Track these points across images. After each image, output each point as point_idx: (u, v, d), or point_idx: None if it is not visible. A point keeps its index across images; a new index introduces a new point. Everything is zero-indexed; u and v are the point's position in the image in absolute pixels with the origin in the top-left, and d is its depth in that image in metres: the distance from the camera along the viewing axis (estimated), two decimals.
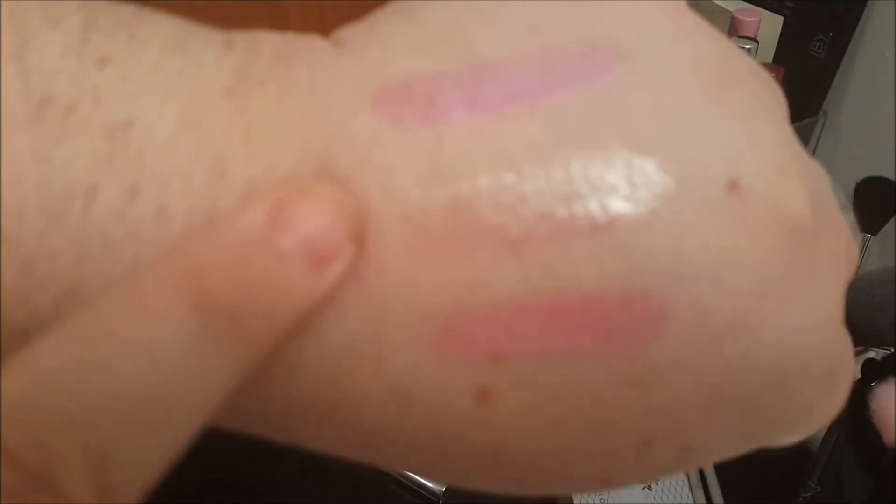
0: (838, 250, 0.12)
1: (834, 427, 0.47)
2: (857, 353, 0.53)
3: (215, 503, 0.51)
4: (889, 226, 0.64)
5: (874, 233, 0.62)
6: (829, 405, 0.13)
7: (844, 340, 0.13)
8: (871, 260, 0.65)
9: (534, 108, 0.10)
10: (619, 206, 0.10)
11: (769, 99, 0.12)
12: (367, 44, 0.11)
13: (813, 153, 0.78)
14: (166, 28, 0.11)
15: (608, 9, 0.11)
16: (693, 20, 0.12)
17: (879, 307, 0.46)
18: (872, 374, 0.46)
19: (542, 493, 0.12)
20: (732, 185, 0.10)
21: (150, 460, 0.09)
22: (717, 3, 0.73)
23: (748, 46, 0.66)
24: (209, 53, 0.11)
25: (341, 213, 0.10)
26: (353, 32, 0.12)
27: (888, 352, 0.51)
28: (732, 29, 0.68)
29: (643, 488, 0.53)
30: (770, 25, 0.70)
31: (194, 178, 0.10)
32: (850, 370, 0.13)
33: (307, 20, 0.64)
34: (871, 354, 0.52)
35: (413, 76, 0.11)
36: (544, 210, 0.10)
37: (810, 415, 0.12)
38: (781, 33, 0.71)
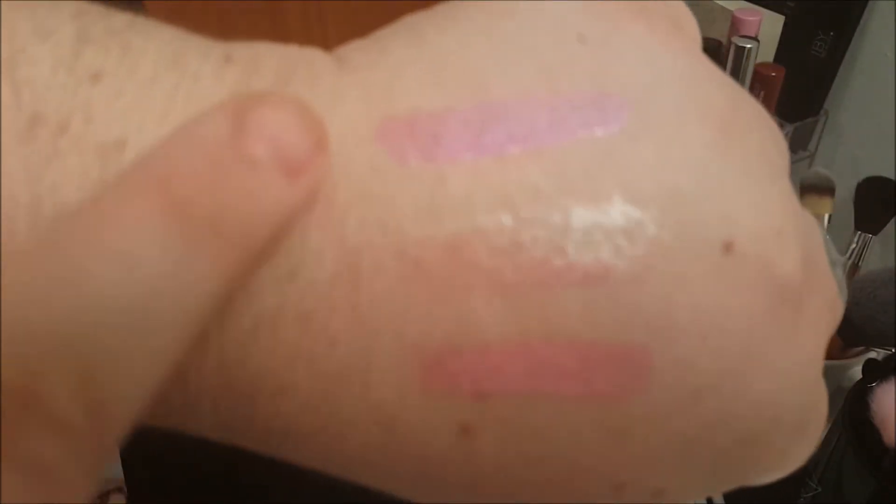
0: (823, 307, 0.12)
1: (834, 427, 0.47)
2: (858, 354, 0.53)
3: (213, 503, 0.51)
4: (890, 226, 0.64)
5: (875, 233, 0.62)
6: (799, 452, 0.13)
7: (819, 393, 0.13)
8: (872, 260, 0.65)
9: (538, 152, 0.10)
10: (614, 258, 0.10)
11: (772, 152, 0.12)
12: (374, 68, 0.11)
13: (814, 153, 0.78)
14: (161, 39, 0.11)
15: (620, 53, 0.11)
16: (706, 66, 0.12)
17: (880, 307, 0.46)
18: (873, 374, 0.46)
19: None
20: (727, 246, 0.11)
21: (140, 375, 0.09)
22: (718, 2, 0.73)
23: (749, 45, 0.66)
24: (207, 68, 0.11)
25: (305, 118, 0.10)
26: (359, 52, 0.12)
27: (889, 352, 0.51)
28: (733, 28, 0.68)
29: None
30: (771, 25, 0.70)
31: None
32: (822, 417, 0.13)
33: (307, 20, 0.64)
34: (872, 355, 0.52)
35: (420, 110, 0.11)
36: (540, 257, 0.10)
37: (781, 462, 0.13)
38: (782, 33, 0.71)
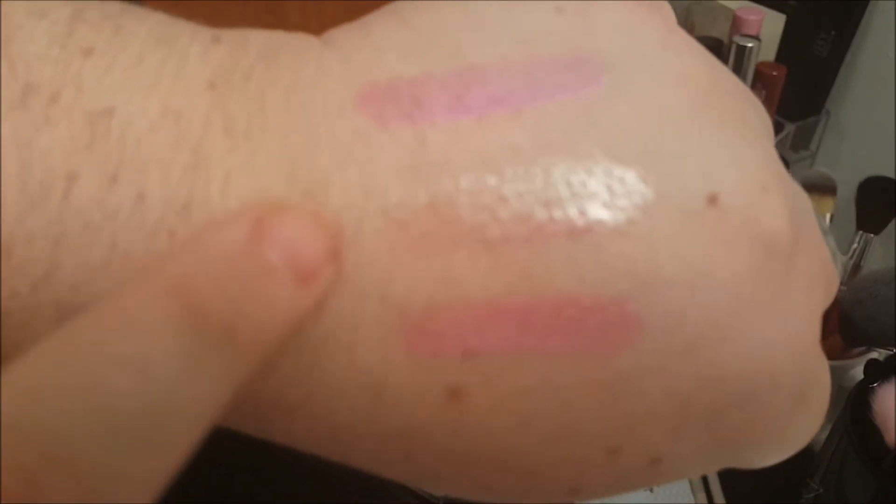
0: (815, 273, 0.12)
1: (836, 428, 0.47)
2: (860, 354, 0.52)
3: (213, 503, 0.51)
4: (891, 225, 0.64)
5: (877, 232, 0.62)
6: (800, 428, 0.13)
7: (819, 364, 0.13)
8: (873, 259, 0.65)
9: (518, 113, 0.11)
10: (597, 212, 0.10)
11: (754, 119, 0.12)
12: (356, 44, 0.12)
13: (815, 152, 0.77)
14: (152, 22, 0.11)
15: (597, 22, 0.12)
16: (683, 38, 0.12)
17: (882, 307, 0.46)
18: (874, 374, 0.46)
19: (511, 501, 0.12)
20: (711, 199, 0.11)
21: (146, 480, 0.09)
22: (720, 1, 0.73)
23: (750, 45, 0.66)
24: (195, 48, 0.11)
25: (321, 229, 0.10)
26: (343, 32, 0.12)
27: (890, 352, 0.51)
28: (735, 27, 0.68)
29: (644, 489, 0.53)
30: (773, 24, 0.70)
31: (173, 168, 0.10)
32: (824, 395, 0.13)
33: (306, 21, 0.64)
34: (874, 355, 0.52)
35: (400, 77, 0.11)
36: (523, 212, 0.10)
37: (781, 436, 0.12)
38: (784, 32, 0.71)
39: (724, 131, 0.11)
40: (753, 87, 0.69)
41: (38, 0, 0.11)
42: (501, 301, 0.10)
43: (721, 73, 0.12)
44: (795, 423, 0.12)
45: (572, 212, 0.10)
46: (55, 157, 0.10)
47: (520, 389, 0.11)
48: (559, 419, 0.11)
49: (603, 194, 0.10)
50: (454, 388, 0.11)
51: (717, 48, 0.71)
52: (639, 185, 0.10)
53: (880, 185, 0.63)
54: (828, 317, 0.54)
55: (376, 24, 0.12)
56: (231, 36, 0.12)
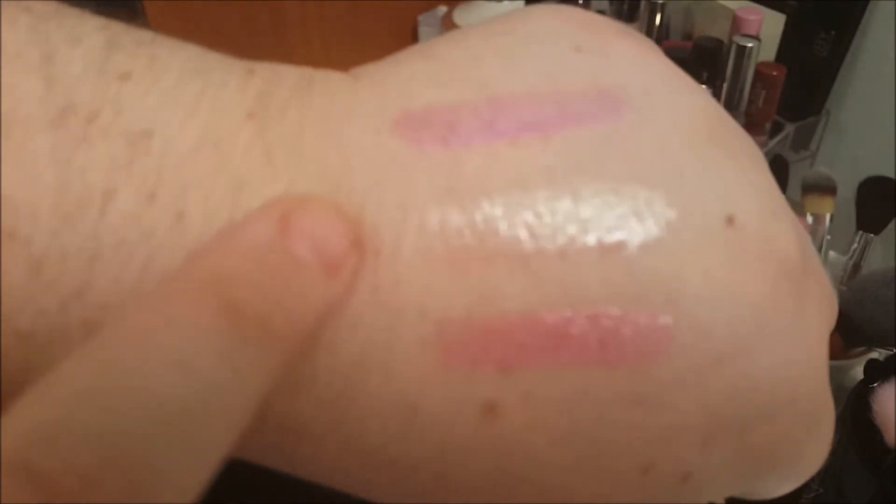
0: (822, 298, 0.13)
1: (836, 428, 0.47)
2: (860, 354, 0.52)
3: (213, 501, 0.51)
4: (891, 225, 0.64)
5: (877, 232, 0.62)
6: (813, 453, 0.13)
7: (827, 391, 0.13)
8: (873, 260, 0.65)
9: (548, 138, 0.11)
10: (626, 231, 0.11)
11: (755, 153, 0.13)
12: (387, 76, 0.12)
13: (815, 152, 0.77)
14: (186, 53, 0.12)
15: (616, 61, 0.12)
16: (686, 77, 0.13)
17: (882, 307, 0.46)
18: (875, 374, 0.46)
19: None
20: (729, 220, 0.11)
21: (191, 476, 0.09)
22: (720, 1, 0.73)
23: (750, 44, 0.66)
24: (231, 78, 0.11)
25: (343, 220, 0.10)
26: (372, 67, 0.13)
27: (890, 352, 0.51)
28: (735, 27, 0.68)
29: None
30: (772, 24, 0.70)
31: (214, 190, 0.10)
32: (832, 421, 0.14)
33: (306, 21, 0.64)
34: (874, 355, 0.52)
35: (433, 104, 0.11)
36: (556, 229, 0.11)
37: (797, 459, 0.13)
38: (784, 31, 0.71)
39: (735, 161, 0.12)
40: (753, 87, 0.69)
41: (71, 21, 0.11)
42: (538, 314, 0.10)
43: (721, 110, 0.13)
44: (809, 447, 0.13)
45: (602, 230, 0.11)
46: (93, 175, 0.10)
47: (556, 404, 0.11)
48: (595, 435, 0.11)
49: (631, 215, 0.11)
50: (491, 405, 0.11)
51: (717, 48, 0.71)
52: (663, 206, 0.11)
53: (880, 184, 0.63)
54: None
55: (406, 59, 0.13)
56: (264, 68, 0.12)
